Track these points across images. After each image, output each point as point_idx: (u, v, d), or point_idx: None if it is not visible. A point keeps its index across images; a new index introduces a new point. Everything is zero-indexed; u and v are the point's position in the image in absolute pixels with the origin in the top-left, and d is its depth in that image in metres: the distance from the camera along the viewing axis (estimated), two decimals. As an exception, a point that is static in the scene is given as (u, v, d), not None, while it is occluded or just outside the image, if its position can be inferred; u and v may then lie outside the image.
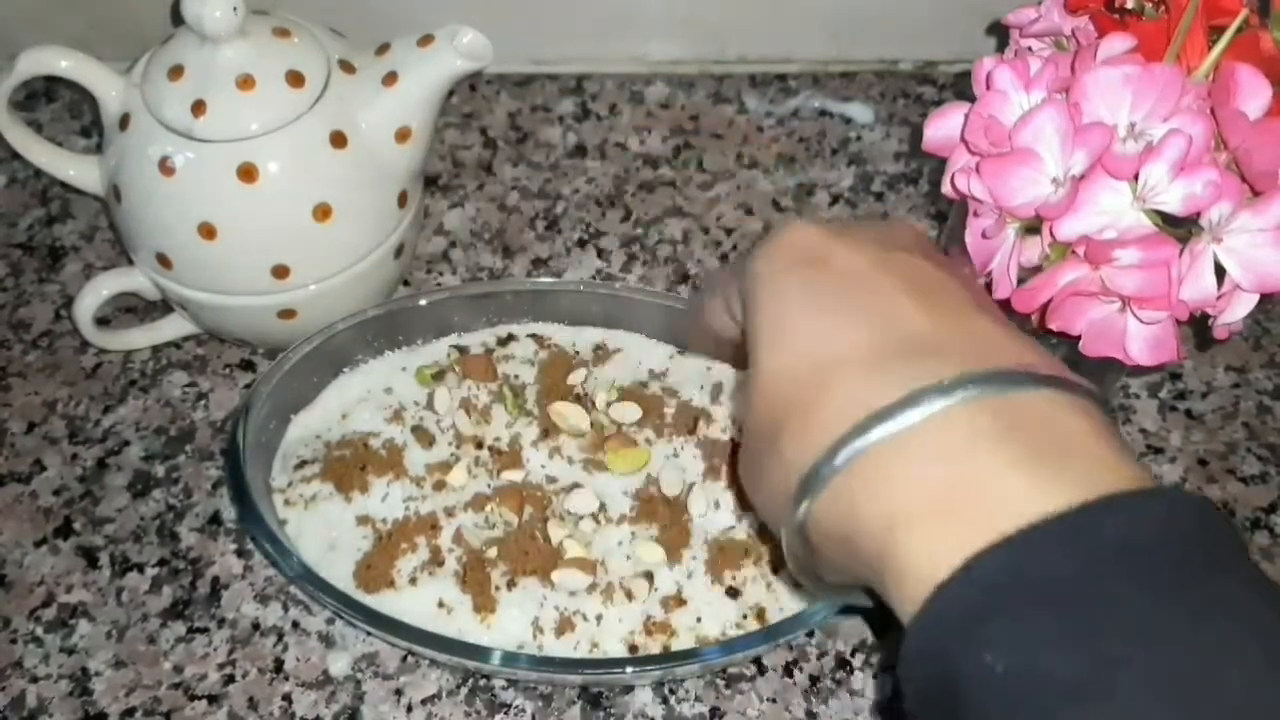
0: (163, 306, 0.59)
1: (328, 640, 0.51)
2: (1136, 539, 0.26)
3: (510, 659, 0.46)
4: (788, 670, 0.51)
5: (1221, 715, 0.24)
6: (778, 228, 0.36)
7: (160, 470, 0.57)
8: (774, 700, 0.50)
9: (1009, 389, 0.29)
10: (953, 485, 0.28)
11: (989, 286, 0.43)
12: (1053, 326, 0.41)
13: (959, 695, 0.26)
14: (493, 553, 0.50)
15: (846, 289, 0.33)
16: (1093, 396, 0.30)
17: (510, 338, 0.57)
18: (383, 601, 0.49)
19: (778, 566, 0.50)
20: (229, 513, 0.55)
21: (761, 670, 0.51)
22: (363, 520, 0.51)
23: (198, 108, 0.51)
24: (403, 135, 0.54)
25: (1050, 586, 0.26)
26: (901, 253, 0.34)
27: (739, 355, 0.37)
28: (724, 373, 0.57)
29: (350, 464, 0.52)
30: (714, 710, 0.50)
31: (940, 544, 0.27)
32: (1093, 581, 0.26)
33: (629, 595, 0.49)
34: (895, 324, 0.31)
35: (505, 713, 0.49)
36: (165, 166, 0.51)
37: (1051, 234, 0.40)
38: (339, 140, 0.52)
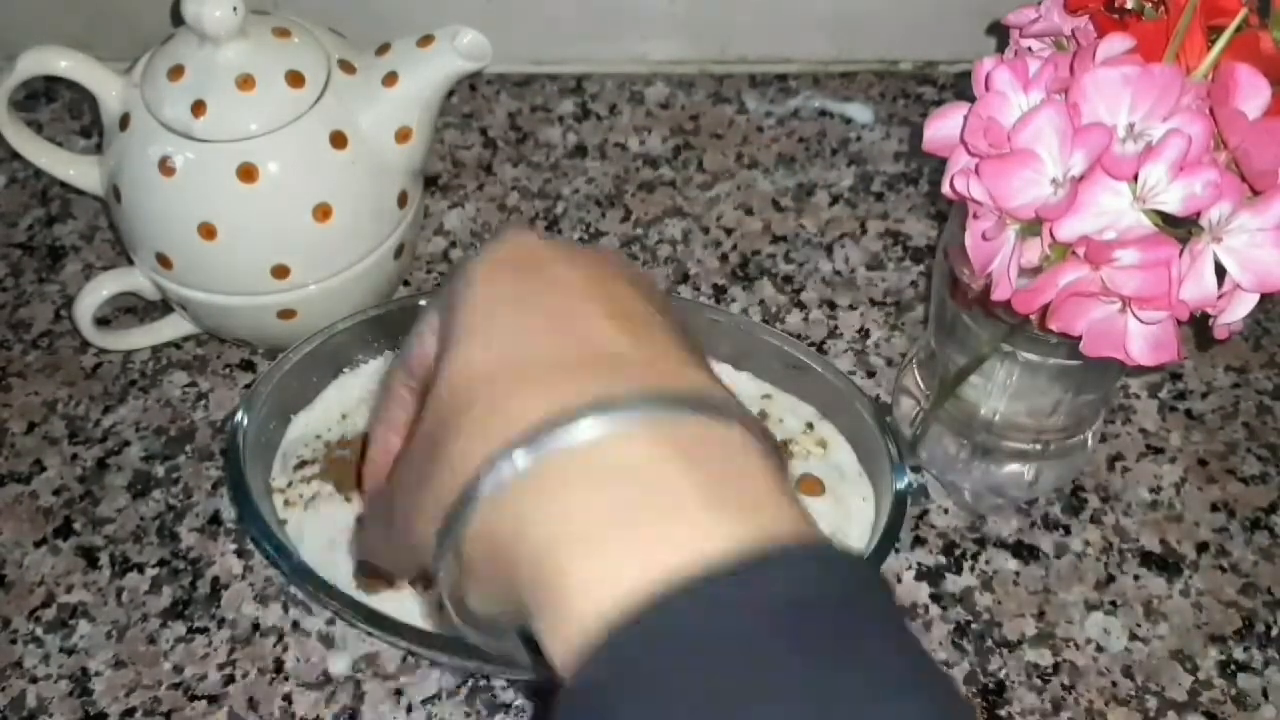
0: (163, 306, 0.59)
1: (328, 640, 0.51)
2: (794, 598, 0.25)
3: (510, 659, 0.46)
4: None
5: None
6: (497, 233, 0.35)
7: (160, 470, 0.57)
8: (774, 700, 0.50)
9: (692, 413, 0.28)
10: (622, 511, 0.26)
11: (989, 287, 0.43)
12: (1053, 327, 0.41)
13: None
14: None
15: (555, 299, 0.31)
16: (770, 437, 0.29)
17: (510, 338, 0.57)
18: (383, 601, 0.49)
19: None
20: (229, 513, 0.55)
21: (761, 670, 0.51)
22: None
23: (198, 108, 0.51)
24: (403, 135, 0.54)
25: (697, 653, 0.24)
26: (616, 281, 0.32)
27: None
28: (723, 373, 0.57)
29: (350, 464, 0.52)
30: (714, 710, 0.50)
31: (596, 574, 0.25)
32: (743, 648, 0.24)
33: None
34: (593, 339, 0.30)
35: (505, 713, 0.49)
36: (165, 166, 0.51)
37: (1051, 235, 0.40)
38: (339, 140, 0.52)
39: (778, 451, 0.29)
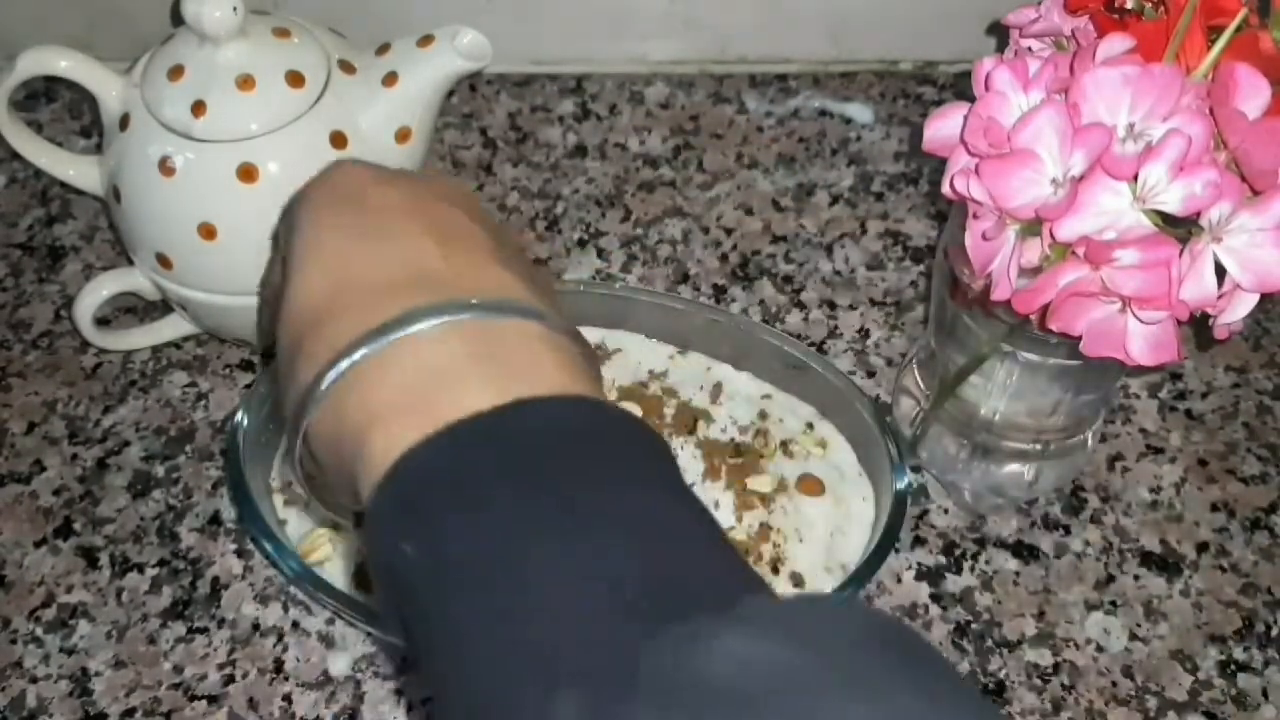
0: (163, 306, 0.59)
1: (328, 640, 0.51)
2: (545, 440, 0.29)
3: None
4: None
5: (578, 608, 0.26)
6: (326, 167, 0.38)
7: (160, 470, 0.57)
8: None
9: (499, 314, 0.32)
10: (418, 389, 0.30)
11: (989, 288, 0.43)
12: (1053, 327, 0.41)
13: (395, 583, 0.29)
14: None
15: (377, 224, 0.35)
16: (577, 338, 0.34)
17: (510, 338, 0.57)
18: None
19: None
20: (229, 513, 0.55)
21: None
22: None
23: (198, 108, 0.51)
24: (403, 135, 0.54)
25: (461, 480, 0.28)
26: (438, 201, 0.36)
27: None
28: (724, 373, 0.57)
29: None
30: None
31: (392, 442, 0.29)
32: (498, 477, 0.28)
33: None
34: (412, 259, 0.34)
35: (505, 713, 0.49)
36: (165, 166, 0.51)
37: (1051, 235, 0.40)
38: (339, 140, 0.52)
39: (576, 342, 0.34)
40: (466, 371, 0.31)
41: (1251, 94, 0.38)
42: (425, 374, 0.31)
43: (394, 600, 0.29)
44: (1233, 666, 0.52)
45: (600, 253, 0.65)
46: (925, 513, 0.56)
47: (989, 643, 0.52)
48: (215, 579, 0.53)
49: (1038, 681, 0.51)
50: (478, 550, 0.28)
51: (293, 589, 0.52)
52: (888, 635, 0.26)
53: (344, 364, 0.31)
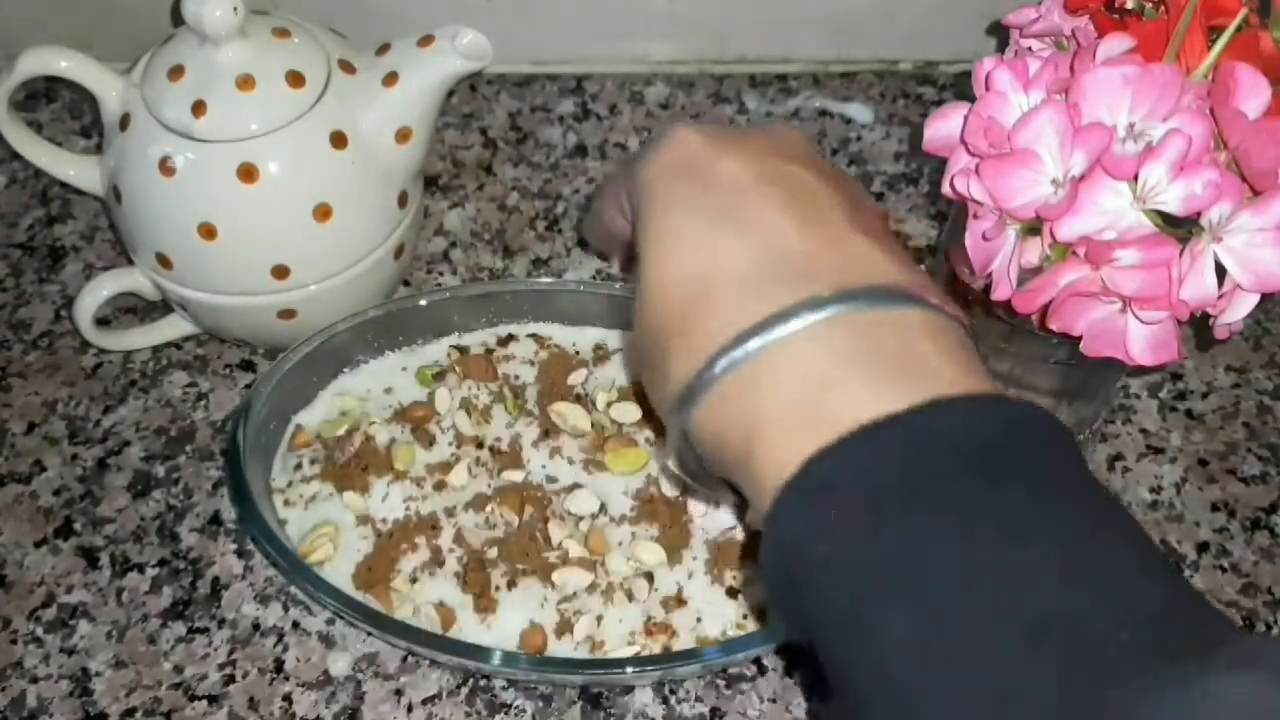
0: (163, 306, 0.59)
1: (328, 640, 0.51)
2: (960, 441, 0.28)
3: (510, 659, 0.46)
4: (788, 670, 0.51)
5: (1017, 619, 0.25)
6: (662, 131, 0.37)
7: (160, 470, 0.57)
8: (774, 700, 0.50)
9: (873, 305, 0.31)
10: (806, 395, 0.30)
11: (989, 287, 0.43)
12: (1054, 327, 0.42)
13: (799, 584, 0.29)
14: (493, 553, 0.50)
15: (729, 202, 0.34)
16: (956, 318, 0.33)
17: (510, 338, 0.57)
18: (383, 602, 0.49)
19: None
20: (229, 513, 0.55)
21: (762, 670, 0.51)
22: (363, 520, 0.51)
23: (198, 108, 0.51)
24: (403, 135, 0.54)
25: (874, 482, 0.28)
26: (785, 163, 0.35)
27: (630, 257, 0.39)
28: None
29: (350, 464, 0.52)
30: (714, 710, 0.50)
31: (787, 450, 0.30)
32: (915, 479, 0.28)
33: (629, 595, 0.49)
34: (773, 242, 0.33)
35: (505, 713, 0.49)
36: (165, 166, 0.51)
37: (1052, 235, 0.40)
38: (339, 140, 0.52)
39: (964, 330, 0.32)
40: (854, 374, 0.30)
41: (1251, 94, 0.38)
42: (811, 378, 0.30)
43: (797, 599, 0.29)
44: (1233, 666, 0.52)
45: (600, 253, 0.65)
46: (925, 513, 0.56)
47: (989, 643, 0.52)
48: (215, 579, 0.53)
49: (1038, 681, 0.51)
50: (907, 557, 0.27)
51: (293, 589, 0.52)
52: None
53: (719, 366, 0.32)
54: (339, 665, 0.51)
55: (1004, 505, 0.27)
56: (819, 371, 0.30)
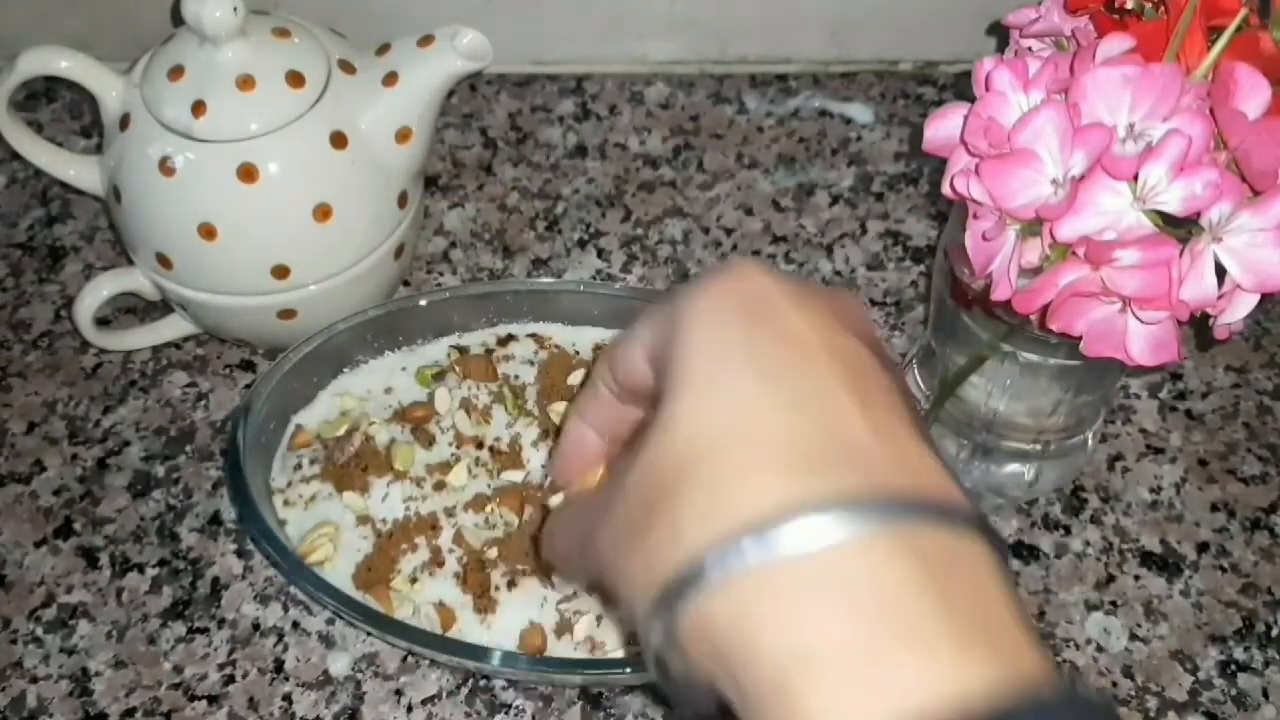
0: (163, 306, 0.59)
1: (328, 640, 0.51)
2: None
3: (510, 659, 0.46)
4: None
5: None
6: (724, 265, 0.32)
7: (160, 470, 0.57)
8: (774, 700, 0.50)
9: (935, 522, 0.26)
10: (870, 639, 0.24)
11: (989, 287, 0.43)
12: (1053, 327, 0.41)
13: None
14: (493, 553, 0.50)
15: (792, 364, 0.28)
16: (1001, 545, 0.28)
17: (510, 338, 0.57)
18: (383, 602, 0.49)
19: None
20: (229, 513, 0.55)
21: (761, 670, 0.51)
22: (362, 520, 0.51)
23: (198, 108, 0.51)
24: (403, 135, 0.54)
25: None
26: (850, 337, 0.30)
27: (597, 587, 0.32)
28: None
29: (350, 464, 0.52)
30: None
31: (836, 702, 0.24)
32: None
33: (629, 595, 0.49)
34: (832, 420, 0.27)
35: (505, 713, 0.49)
36: (165, 166, 0.51)
37: (1051, 235, 0.40)
38: (339, 140, 0.52)
39: (1006, 557, 0.27)
40: (926, 621, 0.24)
41: (1251, 94, 0.38)
42: (869, 604, 0.25)
43: None
44: (1233, 666, 0.52)
45: (600, 253, 0.65)
46: (925, 513, 0.56)
47: (989, 643, 0.52)
48: (215, 579, 0.53)
49: (1038, 681, 0.51)
50: None
51: (293, 589, 0.52)
52: None
53: (752, 549, 0.25)
54: (339, 665, 0.51)
55: None
56: (883, 605, 0.24)
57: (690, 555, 0.26)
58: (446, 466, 0.52)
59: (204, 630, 0.52)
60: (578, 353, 0.57)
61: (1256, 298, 0.40)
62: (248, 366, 0.61)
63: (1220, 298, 0.40)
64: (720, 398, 0.28)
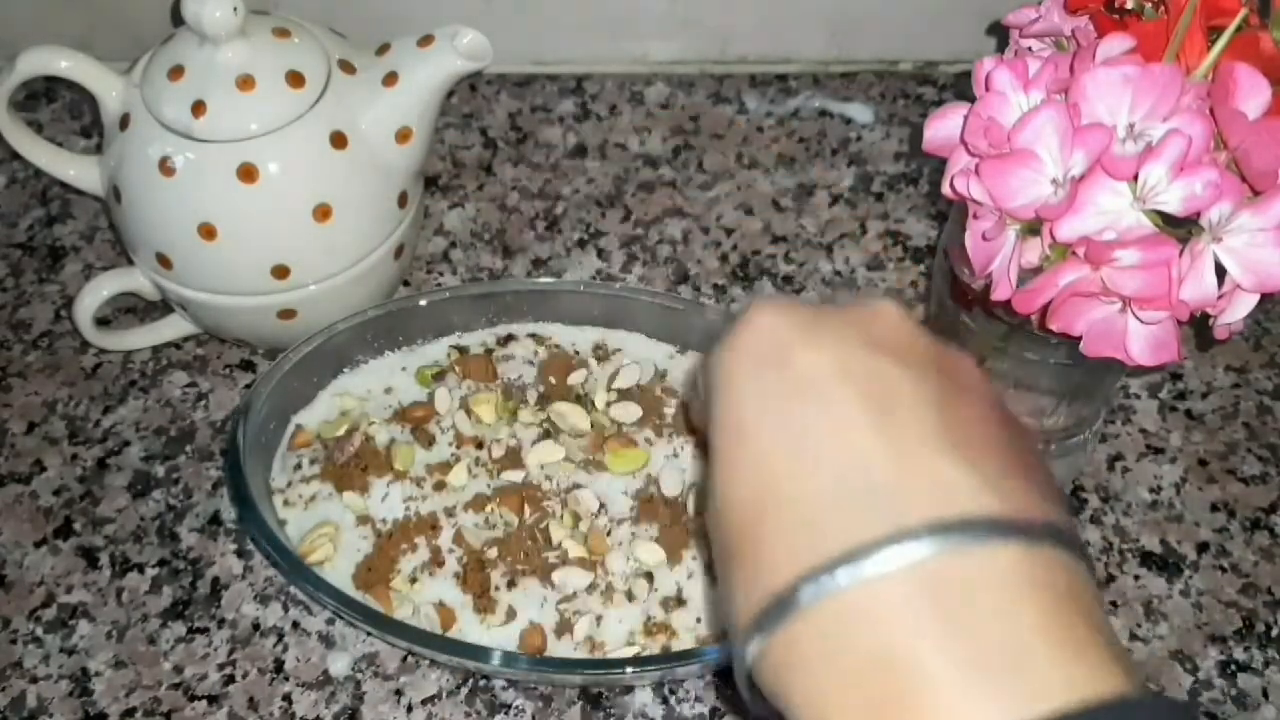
0: (163, 306, 0.59)
1: (328, 640, 0.51)
2: None
3: (510, 659, 0.46)
4: (788, 670, 0.51)
5: None
6: (746, 309, 0.32)
7: (160, 470, 0.57)
8: (774, 700, 0.50)
9: (968, 544, 0.26)
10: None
11: (989, 287, 0.43)
12: (1053, 327, 0.41)
13: None
14: (493, 553, 0.50)
15: (802, 405, 0.29)
16: (1070, 542, 0.27)
17: (510, 338, 0.57)
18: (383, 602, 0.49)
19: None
20: (229, 513, 0.55)
21: (761, 670, 0.51)
22: (362, 520, 0.51)
23: (198, 108, 0.51)
24: (403, 135, 0.54)
25: None
26: (872, 355, 0.30)
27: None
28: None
29: (350, 464, 0.52)
30: (714, 710, 0.50)
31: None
32: None
33: (629, 596, 0.49)
34: (849, 465, 0.28)
35: (505, 713, 0.49)
36: (165, 166, 0.51)
37: (1051, 235, 0.40)
38: (339, 140, 0.52)
39: (1079, 552, 0.27)
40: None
41: (1251, 94, 0.38)
42: (878, 657, 0.25)
43: None
44: (1233, 666, 0.52)
45: (600, 253, 0.65)
46: (925, 513, 0.56)
47: (989, 643, 0.52)
48: (215, 579, 0.53)
49: (1038, 681, 0.51)
50: None
51: (293, 589, 0.52)
52: None
53: (776, 622, 0.27)
54: (339, 665, 0.51)
55: None
56: (893, 655, 0.25)
57: (744, 618, 0.28)
58: (446, 466, 0.52)
59: (204, 630, 0.52)
60: (577, 353, 0.57)
61: (1256, 298, 0.40)
62: (248, 366, 0.61)
63: (1220, 298, 0.40)
64: (742, 461, 0.30)
